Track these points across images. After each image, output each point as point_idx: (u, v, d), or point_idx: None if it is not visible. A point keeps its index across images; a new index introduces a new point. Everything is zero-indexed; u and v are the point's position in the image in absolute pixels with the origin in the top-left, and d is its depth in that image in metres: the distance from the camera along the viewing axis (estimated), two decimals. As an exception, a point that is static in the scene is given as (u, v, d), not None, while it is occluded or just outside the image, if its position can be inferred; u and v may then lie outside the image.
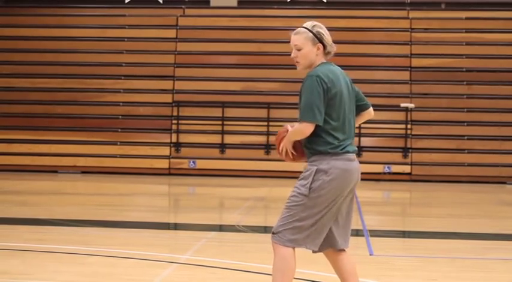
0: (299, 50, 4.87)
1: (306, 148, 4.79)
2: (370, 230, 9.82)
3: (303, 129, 4.68)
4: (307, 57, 4.86)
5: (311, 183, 4.68)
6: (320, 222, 4.75)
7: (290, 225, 4.70)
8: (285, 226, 4.71)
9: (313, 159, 4.74)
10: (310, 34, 4.86)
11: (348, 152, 4.80)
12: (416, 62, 19.11)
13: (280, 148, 4.86)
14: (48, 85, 19.43)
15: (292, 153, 4.84)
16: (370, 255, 8.04)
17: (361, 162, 17.72)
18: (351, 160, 4.82)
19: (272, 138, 18.43)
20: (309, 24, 4.92)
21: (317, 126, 4.67)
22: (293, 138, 4.80)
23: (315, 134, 4.70)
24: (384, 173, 18.00)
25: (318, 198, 4.69)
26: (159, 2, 20.45)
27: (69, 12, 20.59)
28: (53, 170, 18.68)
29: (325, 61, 4.91)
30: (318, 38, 4.87)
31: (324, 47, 4.89)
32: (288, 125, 4.88)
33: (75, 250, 7.86)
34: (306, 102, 4.66)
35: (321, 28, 4.92)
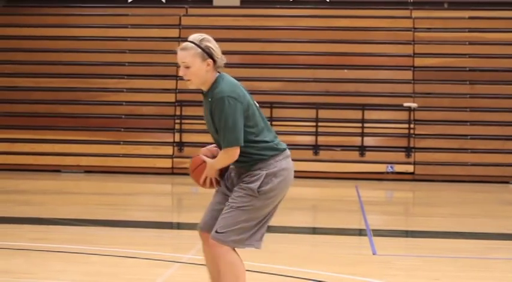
0: (188, 67, 4.62)
1: (243, 162, 4.69)
2: (373, 230, 9.82)
3: (231, 155, 4.61)
4: (197, 75, 4.63)
5: (260, 186, 4.64)
6: (265, 221, 4.78)
7: (237, 225, 4.62)
8: (231, 226, 4.61)
9: (258, 166, 4.68)
10: (199, 50, 4.60)
11: (284, 148, 4.82)
12: (419, 61, 19.09)
13: (203, 180, 4.78)
14: (51, 84, 19.44)
15: (216, 179, 4.81)
16: (373, 254, 8.05)
17: (364, 162, 17.73)
18: (289, 156, 4.85)
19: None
20: (196, 38, 4.65)
21: (246, 139, 4.65)
22: (221, 166, 4.74)
23: (246, 147, 4.64)
24: (387, 173, 17.98)
25: (267, 200, 4.68)
26: (162, 2, 20.46)
27: (71, 11, 20.60)
28: (56, 170, 18.68)
29: (218, 74, 4.71)
30: (208, 53, 4.62)
31: (214, 61, 4.65)
32: (202, 155, 4.81)
33: (78, 249, 7.87)
34: (227, 128, 4.54)
35: (210, 41, 4.67)
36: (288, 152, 4.83)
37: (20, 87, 19.53)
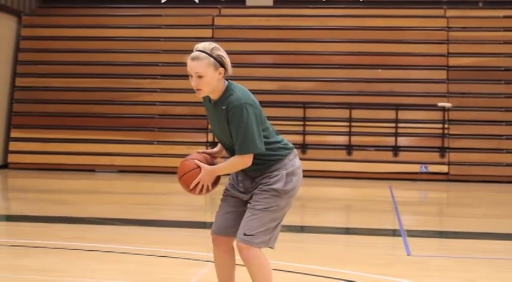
0: (200, 77, 4.58)
1: (259, 165, 4.71)
2: (407, 230, 9.77)
3: (246, 162, 4.62)
4: (210, 84, 4.59)
5: (284, 186, 4.69)
6: (282, 220, 4.84)
7: (264, 226, 4.65)
8: (258, 228, 4.63)
9: (276, 167, 4.73)
10: (212, 59, 4.57)
11: (293, 147, 4.90)
12: (453, 61, 18.95)
13: (201, 187, 4.74)
14: (85, 85, 19.58)
15: (208, 186, 4.76)
16: (408, 255, 8.01)
17: (397, 162, 17.61)
18: (297, 154, 4.92)
19: (309, 138, 18.41)
20: (207, 47, 4.62)
21: None
22: (230, 172, 4.77)
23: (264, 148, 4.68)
24: (421, 173, 17.89)
25: (289, 199, 4.75)
26: (195, 2, 20.51)
27: (105, 12, 20.73)
28: (90, 169, 18.82)
29: (227, 82, 4.70)
30: (219, 62, 4.60)
31: (225, 70, 4.63)
32: (196, 160, 4.76)
33: (112, 248, 7.91)
34: (248, 136, 4.54)
35: (220, 50, 4.64)
36: (295, 150, 4.91)
37: (53, 88, 19.68)
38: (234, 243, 4.82)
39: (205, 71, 4.56)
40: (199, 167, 4.74)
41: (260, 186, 4.70)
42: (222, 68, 4.60)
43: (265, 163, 4.70)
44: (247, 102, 4.59)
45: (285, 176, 4.71)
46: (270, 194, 4.67)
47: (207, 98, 4.79)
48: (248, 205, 4.71)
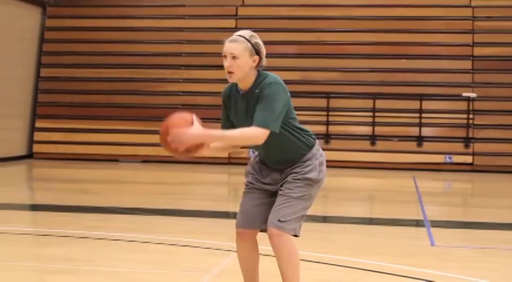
0: (235, 59, 4.55)
1: (291, 154, 4.68)
2: (431, 221, 9.74)
3: (257, 136, 4.46)
4: (242, 68, 4.56)
5: (318, 175, 4.71)
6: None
7: (296, 214, 4.65)
8: (292, 215, 4.62)
9: (307, 157, 4.72)
10: (249, 45, 4.56)
11: (315, 137, 4.88)
12: (478, 50, 18.82)
13: (185, 141, 4.35)
14: (109, 75, 19.66)
15: (192, 148, 4.43)
16: (431, 245, 7.98)
17: (422, 152, 17.53)
18: None
19: (332, 128, 18.38)
20: (246, 33, 4.61)
21: (293, 130, 4.66)
22: (235, 142, 4.64)
23: (294, 139, 4.67)
24: (445, 163, 17.81)
25: (319, 188, 4.78)
26: (219, -8, 20.48)
27: (129, 2, 20.77)
28: (113, 159, 18.91)
29: (259, 71, 4.65)
30: (256, 50, 4.59)
31: (260, 60, 4.61)
32: (194, 116, 4.42)
33: (135, 238, 7.95)
34: (271, 109, 4.46)
35: (258, 39, 4.63)
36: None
37: (78, 78, 19.78)
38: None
39: (241, 53, 4.55)
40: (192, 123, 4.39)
41: (293, 175, 4.69)
42: (257, 56, 4.60)
43: (298, 152, 4.70)
44: (283, 84, 4.59)
45: (318, 165, 4.73)
46: (304, 183, 4.67)
47: (233, 89, 4.76)
48: (280, 192, 4.69)
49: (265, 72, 4.68)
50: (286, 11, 19.49)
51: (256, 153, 4.91)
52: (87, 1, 21.10)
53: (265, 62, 4.65)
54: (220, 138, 4.59)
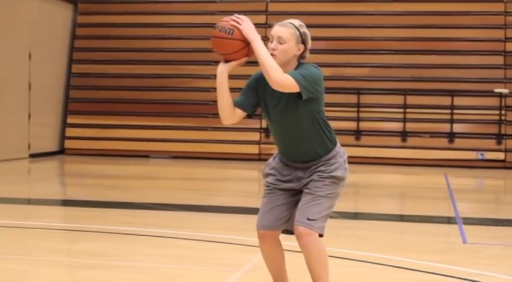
0: (281, 43, 4.58)
1: (316, 148, 4.67)
2: (462, 218, 9.65)
3: (286, 82, 4.45)
4: (286, 53, 4.59)
5: (343, 173, 4.71)
6: None
7: (324, 212, 4.63)
8: (320, 213, 4.60)
9: (332, 155, 4.71)
10: (297, 32, 4.61)
11: None
12: (510, 46, 18.62)
13: (247, 24, 4.59)
14: (140, 71, 19.73)
15: (236, 25, 4.57)
16: (463, 243, 7.91)
17: (453, 149, 17.34)
18: None
19: (363, 125, 18.29)
20: (296, 21, 4.67)
21: (322, 123, 4.66)
22: (266, 66, 4.49)
23: (321, 133, 4.66)
24: (477, 160, 17.67)
25: (344, 186, 4.76)
26: (249, -12, 20.44)
27: (160, -1, 20.83)
28: (144, 155, 18.98)
29: (300, 62, 4.67)
30: (303, 39, 4.63)
31: (305, 50, 4.65)
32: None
33: (165, 233, 7.97)
34: (308, 79, 4.50)
35: (306, 29, 4.68)
36: None
37: (109, 74, 19.88)
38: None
39: (288, 38, 4.59)
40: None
41: (319, 173, 4.66)
42: (302, 45, 4.63)
43: (322, 146, 4.67)
44: (320, 72, 4.64)
45: (343, 163, 4.73)
46: (331, 181, 4.66)
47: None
48: (306, 191, 4.65)
49: (305, 63, 4.69)
50: (317, 7, 19.41)
51: (275, 154, 4.88)
52: (117, -3, 21.16)
53: (308, 54, 4.69)
54: (265, 51, 4.52)
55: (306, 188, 4.67)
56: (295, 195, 4.75)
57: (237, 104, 4.75)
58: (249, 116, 4.83)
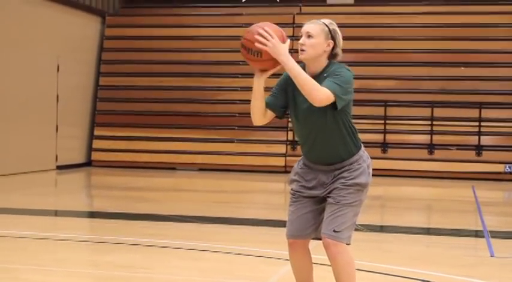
0: (310, 37, 4.61)
1: (341, 150, 4.63)
2: (490, 231, 9.58)
3: (323, 97, 4.38)
4: (315, 48, 4.57)
5: (367, 180, 4.65)
6: None
7: (350, 221, 4.59)
8: (346, 223, 4.56)
9: (355, 159, 4.66)
10: (326, 28, 4.61)
11: None
12: (539, 58, 18.53)
13: (275, 43, 4.44)
14: (168, 84, 19.84)
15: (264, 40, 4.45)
16: (491, 256, 7.85)
17: (481, 162, 17.28)
18: None
19: (390, 137, 18.24)
20: (326, 20, 4.68)
21: (349, 126, 4.61)
22: (302, 84, 4.40)
23: (347, 136, 4.62)
24: (505, 173, 17.54)
25: (367, 192, 4.72)
26: (276, 1, 20.53)
27: (187, 12, 20.96)
28: (171, 167, 19.05)
29: (332, 61, 4.65)
30: (332, 35, 4.62)
31: (335, 46, 4.63)
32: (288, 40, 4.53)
33: (193, 246, 7.98)
34: (344, 87, 4.45)
35: (337, 28, 4.68)
36: None
37: (136, 87, 20.00)
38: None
39: (317, 33, 4.60)
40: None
41: (342, 180, 4.62)
42: (332, 41, 4.62)
43: (347, 149, 4.63)
44: (352, 74, 4.59)
45: (366, 168, 4.67)
46: (355, 188, 4.61)
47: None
48: (330, 200, 4.62)
49: (337, 63, 4.68)
50: (345, 19, 19.41)
51: (299, 159, 4.88)
52: (145, 10, 21.34)
53: (340, 52, 4.67)
54: (298, 70, 4.44)
55: (330, 197, 4.65)
56: (321, 202, 4.73)
57: (268, 106, 4.75)
58: (278, 117, 4.83)
